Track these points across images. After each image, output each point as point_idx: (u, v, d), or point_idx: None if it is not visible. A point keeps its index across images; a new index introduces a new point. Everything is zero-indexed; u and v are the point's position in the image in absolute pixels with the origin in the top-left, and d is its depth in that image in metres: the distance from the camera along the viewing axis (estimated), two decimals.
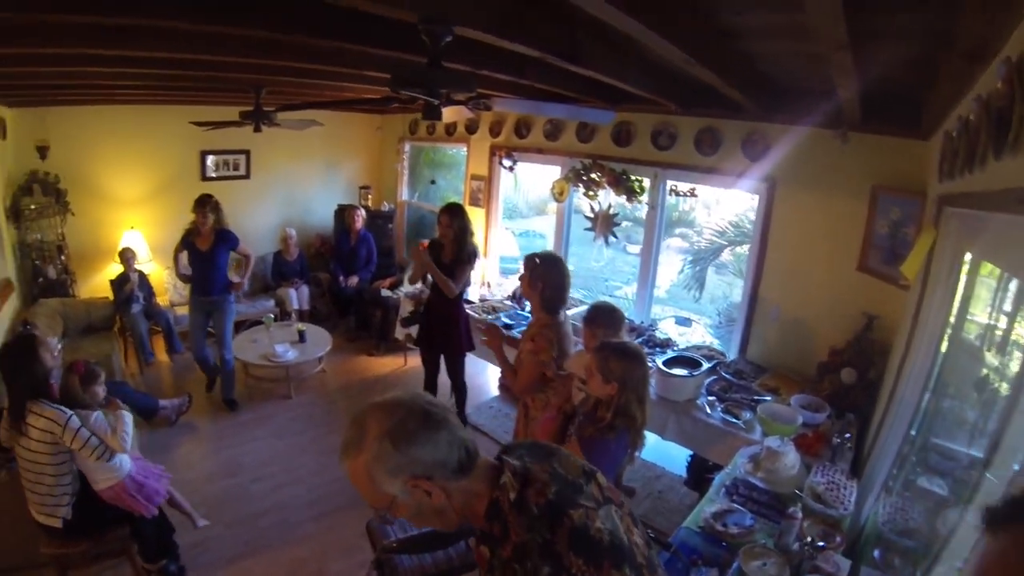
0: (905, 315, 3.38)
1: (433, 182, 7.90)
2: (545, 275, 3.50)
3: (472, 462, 1.40)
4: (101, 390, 3.39)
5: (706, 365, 4.41)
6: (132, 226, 7.28)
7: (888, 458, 3.04)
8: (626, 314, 5.62)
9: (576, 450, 2.64)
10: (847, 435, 3.54)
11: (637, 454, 2.82)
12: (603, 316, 3.31)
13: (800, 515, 2.68)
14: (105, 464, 3.31)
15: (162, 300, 7.28)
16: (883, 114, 3.74)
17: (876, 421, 3.39)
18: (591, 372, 2.72)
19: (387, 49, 3.35)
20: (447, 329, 5.14)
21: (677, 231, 8.62)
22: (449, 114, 3.18)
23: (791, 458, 3.19)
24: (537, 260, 3.56)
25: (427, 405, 1.40)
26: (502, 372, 3.78)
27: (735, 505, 2.96)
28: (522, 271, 3.64)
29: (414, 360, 7.01)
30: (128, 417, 3.42)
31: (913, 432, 2.97)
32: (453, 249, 4.90)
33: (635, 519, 1.51)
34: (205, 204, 5.51)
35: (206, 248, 5.63)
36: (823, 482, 3.06)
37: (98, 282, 7.25)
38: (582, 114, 4.04)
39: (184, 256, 5.81)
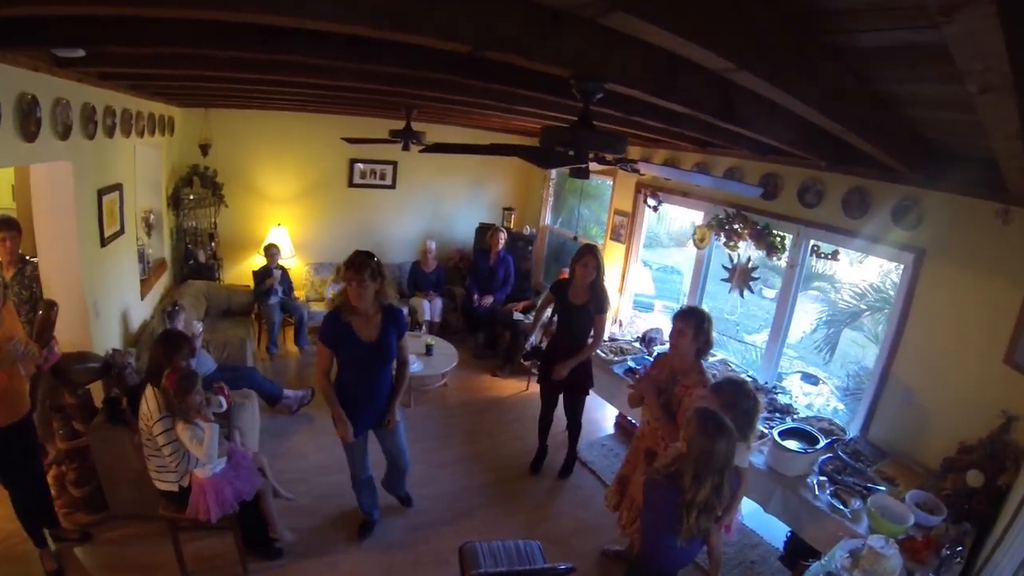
0: None
1: (575, 238, 8.01)
2: (708, 331, 3.68)
3: None
4: (198, 397, 3.52)
5: (823, 443, 4.21)
6: (279, 222, 7.80)
7: None
8: (751, 371, 5.47)
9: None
10: (959, 548, 3.25)
11: (681, 540, 2.81)
12: (724, 394, 3.26)
13: None
14: (185, 465, 3.58)
15: (299, 295, 7.74)
16: None
17: (995, 536, 3.09)
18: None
19: (541, 92, 3.45)
20: (574, 369, 4.97)
21: (815, 284, 8.21)
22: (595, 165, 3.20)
23: (893, 563, 2.99)
24: (702, 318, 3.70)
25: None
26: (659, 424, 3.76)
27: None
28: (679, 324, 3.71)
29: (536, 386, 7.02)
30: (216, 430, 3.60)
31: None
32: (588, 292, 4.81)
33: None
34: (364, 267, 3.61)
35: (373, 337, 3.82)
36: None
37: (242, 270, 7.85)
38: (729, 186, 3.97)
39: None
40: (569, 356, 4.93)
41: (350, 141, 5.93)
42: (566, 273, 6.72)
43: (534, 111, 4.39)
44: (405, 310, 3.88)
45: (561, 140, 2.77)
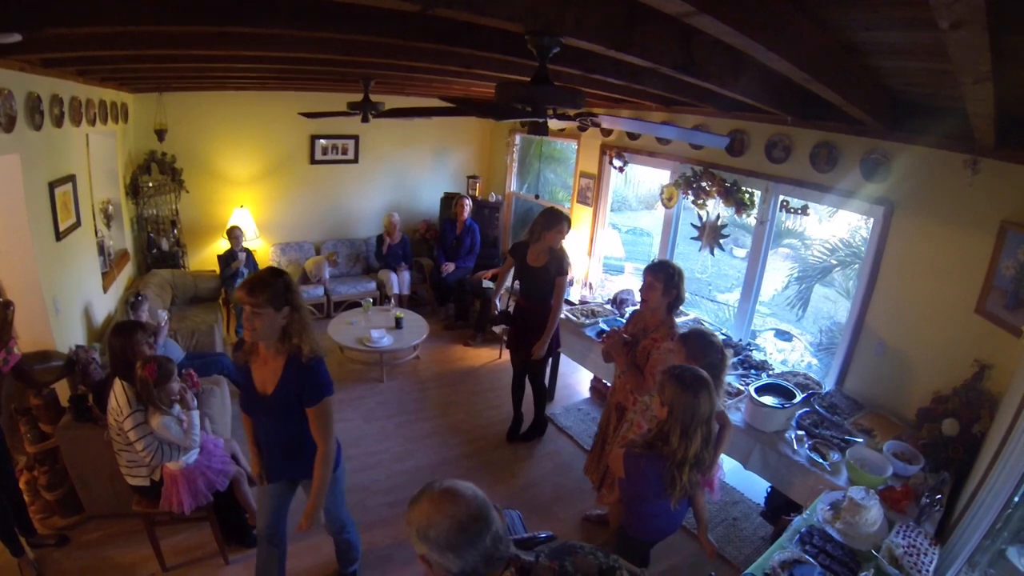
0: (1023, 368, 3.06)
1: (537, 196, 7.91)
2: (679, 285, 3.69)
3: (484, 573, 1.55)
4: (175, 386, 3.49)
5: (799, 397, 4.21)
6: (242, 204, 7.63)
7: (981, 528, 2.76)
8: (724, 328, 5.47)
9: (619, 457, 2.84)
10: (938, 496, 3.28)
11: (674, 502, 2.78)
12: (692, 344, 3.22)
13: None
14: (158, 458, 3.50)
15: None
16: (1020, 139, 3.35)
17: (973, 483, 3.11)
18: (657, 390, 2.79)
19: (497, 53, 3.36)
20: (533, 332, 4.98)
21: (785, 241, 8.23)
22: (556, 122, 3.12)
23: (874, 514, 3.03)
24: (672, 271, 3.70)
25: (467, 521, 1.53)
26: (626, 375, 3.80)
27: (806, 556, 2.82)
28: (649, 278, 3.72)
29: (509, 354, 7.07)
30: (196, 416, 3.59)
31: (1016, 498, 2.69)
32: (547, 254, 4.76)
33: None
34: (260, 288, 2.61)
35: (267, 390, 2.83)
36: (903, 544, 2.90)
37: (207, 255, 7.68)
38: (696, 137, 3.90)
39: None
40: (531, 319, 4.93)
41: (308, 116, 5.77)
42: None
43: (493, 74, 4.29)
44: (323, 367, 2.84)
45: (517, 96, 2.67)
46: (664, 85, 4.10)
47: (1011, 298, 3.53)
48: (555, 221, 4.69)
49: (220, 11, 2.63)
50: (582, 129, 3.11)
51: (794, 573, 2.69)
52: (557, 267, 4.76)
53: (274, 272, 2.73)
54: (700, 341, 3.22)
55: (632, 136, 6.60)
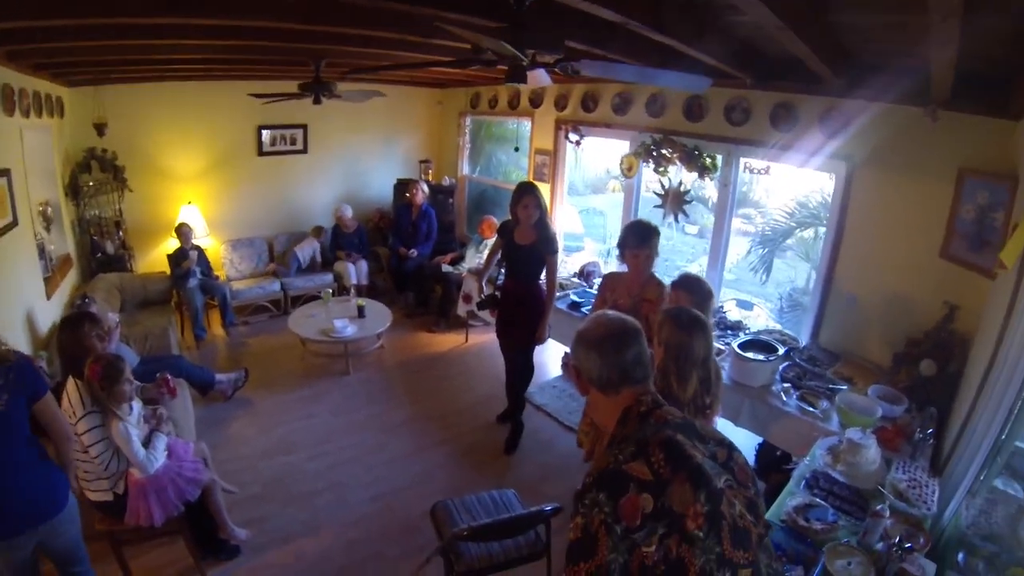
0: (993, 305, 3.16)
1: (516, 148, 7.71)
2: (657, 242, 3.81)
3: (618, 388, 1.68)
4: (127, 388, 3.17)
5: (782, 350, 4.25)
6: (189, 201, 7.37)
7: (977, 459, 2.81)
8: None
9: None
10: (930, 431, 3.35)
11: None
12: (682, 285, 3.25)
13: (887, 513, 2.57)
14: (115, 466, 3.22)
15: (219, 274, 7.39)
16: (973, 92, 3.46)
17: (960, 417, 3.18)
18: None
19: (463, 13, 3.23)
20: (528, 314, 4.77)
21: (740, 211, 8.34)
22: (531, 80, 3.04)
23: (872, 452, 3.07)
24: (653, 232, 3.79)
25: (617, 331, 1.72)
26: None
27: (816, 499, 2.85)
28: (644, 251, 3.76)
29: (475, 338, 7.07)
30: (162, 441, 3.35)
31: (1003, 436, 2.74)
32: (534, 232, 4.59)
33: (754, 507, 1.55)
34: None
35: None
36: (905, 479, 2.96)
37: (155, 256, 7.39)
38: (681, 80, 3.85)
39: None
40: (522, 300, 4.79)
41: (258, 97, 5.59)
42: (489, 221, 6.39)
43: (452, 44, 4.18)
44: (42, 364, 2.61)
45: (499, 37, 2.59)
46: (627, 50, 4.04)
47: (973, 240, 3.67)
48: (518, 196, 4.57)
49: None
50: (563, 72, 3.04)
51: (809, 516, 2.70)
52: (547, 245, 4.60)
53: None
54: (689, 280, 3.27)
55: (587, 108, 6.57)
